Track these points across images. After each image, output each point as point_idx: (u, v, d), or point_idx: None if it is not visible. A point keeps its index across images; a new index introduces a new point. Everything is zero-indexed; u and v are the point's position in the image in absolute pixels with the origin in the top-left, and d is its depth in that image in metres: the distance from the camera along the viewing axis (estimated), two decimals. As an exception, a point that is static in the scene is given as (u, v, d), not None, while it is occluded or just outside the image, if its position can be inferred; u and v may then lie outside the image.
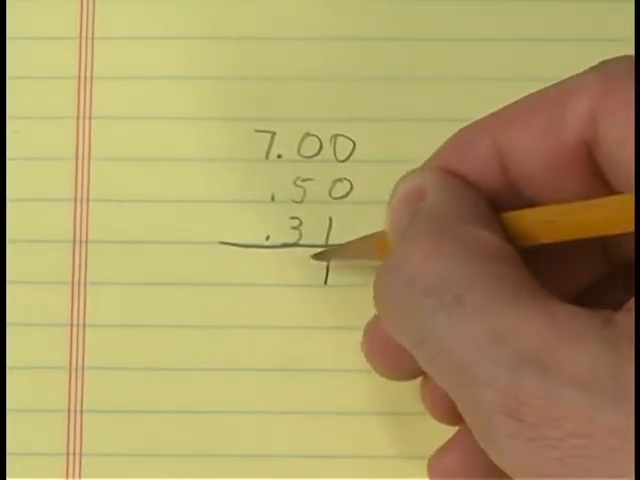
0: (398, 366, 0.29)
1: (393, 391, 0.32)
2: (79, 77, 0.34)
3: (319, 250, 0.33)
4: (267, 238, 0.33)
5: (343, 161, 0.33)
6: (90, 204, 0.33)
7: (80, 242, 0.33)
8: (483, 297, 0.24)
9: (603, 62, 0.26)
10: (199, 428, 0.32)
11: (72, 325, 0.33)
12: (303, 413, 0.32)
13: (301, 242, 0.33)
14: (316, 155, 0.33)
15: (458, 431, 0.29)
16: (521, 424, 0.23)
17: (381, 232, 0.29)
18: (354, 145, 0.33)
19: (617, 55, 0.26)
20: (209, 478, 0.32)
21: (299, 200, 0.33)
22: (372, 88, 0.34)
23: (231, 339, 0.33)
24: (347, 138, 0.33)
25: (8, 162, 0.33)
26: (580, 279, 0.29)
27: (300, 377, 0.32)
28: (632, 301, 0.24)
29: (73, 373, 0.32)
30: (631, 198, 0.25)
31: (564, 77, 0.26)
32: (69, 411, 0.32)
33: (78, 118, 0.34)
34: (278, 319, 0.33)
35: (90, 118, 0.34)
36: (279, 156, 0.33)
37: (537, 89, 0.26)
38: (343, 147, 0.33)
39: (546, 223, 0.26)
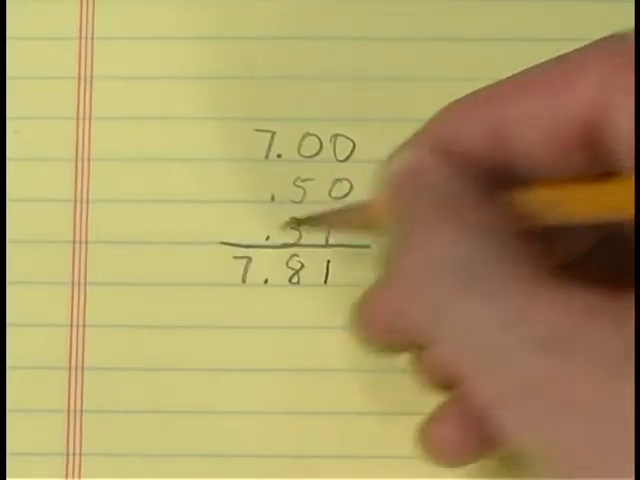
0: (394, 338, 0.29)
1: (399, 390, 0.32)
2: (79, 77, 0.34)
3: (318, 247, 0.33)
4: (267, 238, 0.33)
5: (343, 161, 0.33)
6: (90, 204, 0.33)
7: (80, 242, 0.33)
8: (504, 278, 0.24)
9: (609, 37, 0.25)
10: (199, 428, 0.32)
11: (72, 325, 0.33)
12: (305, 413, 0.32)
13: (301, 242, 0.33)
14: (316, 155, 0.33)
15: (451, 400, 0.29)
16: (543, 402, 0.23)
17: (370, 202, 0.28)
18: (354, 145, 0.33)
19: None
20: (209, 478, 0.32)
21: (299, 200, 0.33)
22: (372, 88, 0.34)
23: (231, 339, 0.33)
24: (347, 138, 0.33)
25: (8, 162, 0.33)
26: (577, 247, 0.28)
27: (302, 377, 0.32)
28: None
29: (73, 373, 0.32)
30: None
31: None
32: (69, 411, 0.32)
33: (78, 118, 0.34)
34: (278, 319, 0.33)
35: (90, 118, 0.34)
36: (279, 156, 0.33)
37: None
38: (343, 147, 0.33)
39: (554, 206, 0.25)
